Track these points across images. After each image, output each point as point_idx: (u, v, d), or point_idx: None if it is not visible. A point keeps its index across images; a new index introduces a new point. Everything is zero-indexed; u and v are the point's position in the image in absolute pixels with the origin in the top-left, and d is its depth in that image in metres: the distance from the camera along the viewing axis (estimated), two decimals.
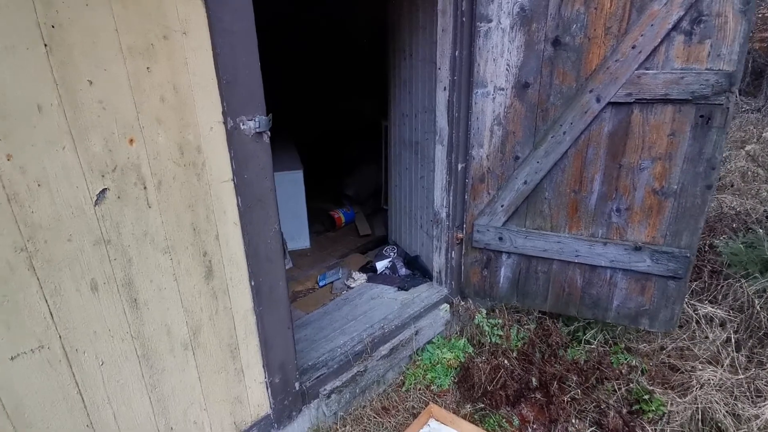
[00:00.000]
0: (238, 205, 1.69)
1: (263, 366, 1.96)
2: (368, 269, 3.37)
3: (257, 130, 1.65)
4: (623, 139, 2.21)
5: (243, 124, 1.62)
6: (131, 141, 1.39)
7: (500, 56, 2.29)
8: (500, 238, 2.56)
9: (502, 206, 2.50)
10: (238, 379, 1.90)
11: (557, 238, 2.45)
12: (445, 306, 2.81)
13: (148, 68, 1.38)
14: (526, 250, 2.53)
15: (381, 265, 3.29)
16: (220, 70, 1.52)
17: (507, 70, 2.30)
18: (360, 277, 3.26)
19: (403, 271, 3.17)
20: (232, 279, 1.76)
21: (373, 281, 3.19)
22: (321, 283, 3.28)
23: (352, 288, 3.17)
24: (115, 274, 1.45)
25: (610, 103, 2.17)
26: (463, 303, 2.79)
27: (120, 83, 1.33)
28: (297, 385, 2.11)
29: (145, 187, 1.45)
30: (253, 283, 1.81)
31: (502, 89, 2.34)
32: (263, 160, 1.72)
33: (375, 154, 4.71)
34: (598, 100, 2.17)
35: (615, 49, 2.12)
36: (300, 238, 3.81)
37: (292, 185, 3.65)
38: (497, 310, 2.81)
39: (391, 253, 3.40)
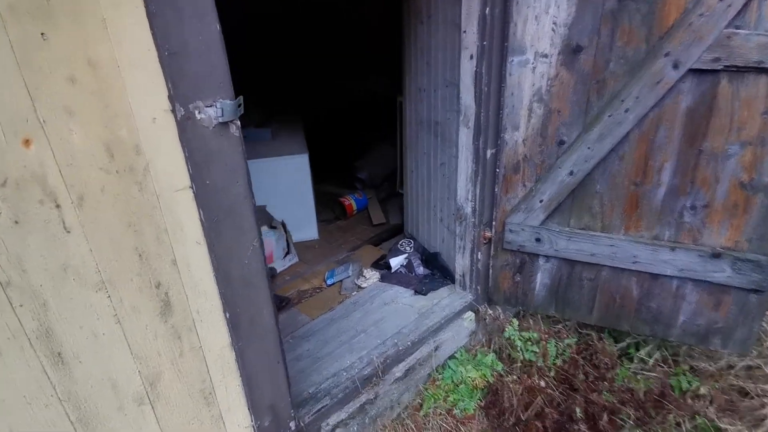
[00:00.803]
0: (200, 220, 1.25)
1: (248, 408, 1.56)
2: (381, 265, 2.94)
3: (220, 120, 1.19)
4: (706, 117, 1.67)
5: (200, 113, 1.16)
6: (26, 142, 0.95)
7: (544, 12, 1.76)
8: (538, 239, 2.08)
9: (541, 201, 2.01)
10: (217, 427, 1.51)
11: (610, 240, 1.96)
12: (470, 315, 2.37)
13: (42, 35, 0.93)
14: (569, 253, 2.05)
15: (396, 262, 2.85)
16: (159, 37, 1.05)
17: (553, 30, 1.77)
18: (372, 276, 2.83)
19: (420, 270, 2.72)
20: (200, 312, 1.34)
21: (386, 281, 2.76)
22: (329, 282, 2.87)
23: (363, 288, 2.75)
24: (23, 326, 1.04)
25: (691, 71, 1.62)
26: (490, 312, 2.34)
27: None
28: (293, 424, 1.72)
29: (57, 206, 1.02)
30: (228, 315, 1.39)
31: (546, 56, 1.81)
32: (233, 159, 1.27)
33: (390, 132, 4.21)
34: (675, 67, 1.63)
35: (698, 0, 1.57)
36: (307, 229, 3.38)
37: (296, 171, 3.21)
38: (531, 321, 2.35)
39: (408, 248, 2.95)
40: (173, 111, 1.12)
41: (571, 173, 1.91)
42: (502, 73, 1.91)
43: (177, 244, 1.23)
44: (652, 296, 1.99)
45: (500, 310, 2.34)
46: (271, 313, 1.49)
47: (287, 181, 3.20)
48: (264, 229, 2.87)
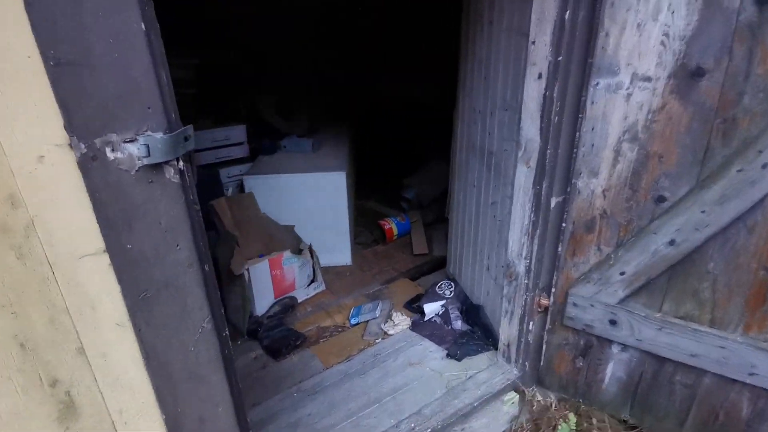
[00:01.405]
0: (122, 295, 0.89)
1: None
2: (415, 308, 2.48)
3: (147, 162, 0.81)
4: None
5: (113, 151, 0.79)
6: None
7: (651, 18, 1.22)
8: (613, 322, 1.53)
9: (622, 274, 1.47)
10: None
11: (720, 340, 1.37)
12: (513, 396, 1.86)
13: None
14: (657, 347, 1.48)
15: (431, 309, 2.38)
16: (42, 38, 0.69)
17: (663, 43, 1.22)
18: (402, 322, 2.38)
19: (458, 324, 2.24)
20: (123, 412, 0.98)
21: (417, 330, 2.30)
22: (352, 321, 2.46)
23: (390, 336, 2.31)
24: None
25: None
26: (539, 397, 1.81)
27: None
28: None
29: None
30: (165, 416, 1.02)
31: (648, 79, 1.27)
32: (170, 215, 0.88)
33: (445, 151, 3.74)
34: None
35: None
36: (339, 253, 3.00)
37: (333, 189, 2.83)
38: (595, 420, 1.80)
39: (447, 292, 2.47)
40: (72, 146, 0.76)
41: (671, 242, 1.35)
42: (580, 100, 1.39)
43: (85, 327, 0.87)
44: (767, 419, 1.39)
45: (553, 398, 1.81)
46: (230, 412, 1.10)
47: (322, 199, 2.84)
48: (286, 254, 2.52)
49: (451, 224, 2.56)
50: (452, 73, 2.33)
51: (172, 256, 0.90)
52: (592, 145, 1.40)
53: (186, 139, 0.85)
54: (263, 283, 2.44)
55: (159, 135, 0.80)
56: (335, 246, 2.97)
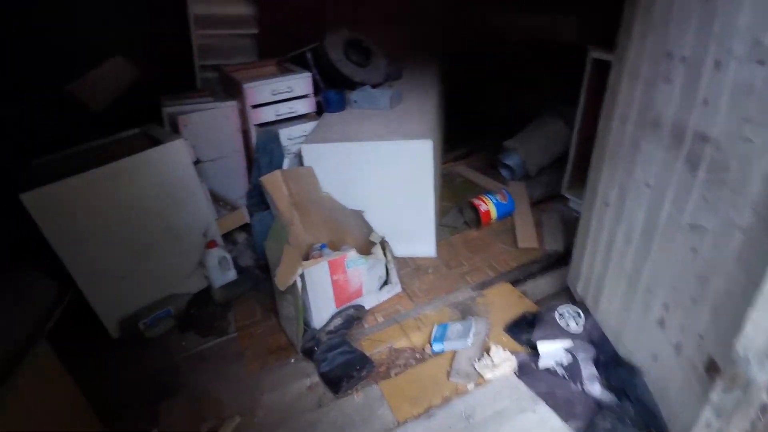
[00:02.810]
0: None
1: None
2: (523, 339, 1.74)
3: None
4: None
5: None
6: None
7: None
8: None
9: None
10: None
11: None
12: None
13: None
14: None
15: (548, 352, 1.62)
16: None
17: None
18: (504, 360, 1.65)
19: (594, 388, 1.46)
20: None
21: (528, 381, 1.57)
22: (435, 348, 1.79)
23: (487, 382, 1.62)
24: None
25: None
26: None
27: None
28: None
29: None
30: None
31: None
32: None
33: (561, 102, 2.75)
34: None
35: None
36: (421, 242, 2.29)
37: (414, 161, 2.06)
38: None
39: (572, 325, 1.68)
40: None
41: None
42: None
43: None
44: None
45: None
46: None
47: (401, 174, 2.10)
48: (351, 255, 1.86)
49: (586, 223, 1.71)
50: None
51: None
52: None
53: None
54: (322, 290, 1.84)
55: None
56: (416, 233, 2.26)
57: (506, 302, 1.99)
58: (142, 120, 2.33)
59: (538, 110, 2.96)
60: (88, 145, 2.07)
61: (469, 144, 3.34)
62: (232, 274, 2.21)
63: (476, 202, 2.40)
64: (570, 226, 2.38)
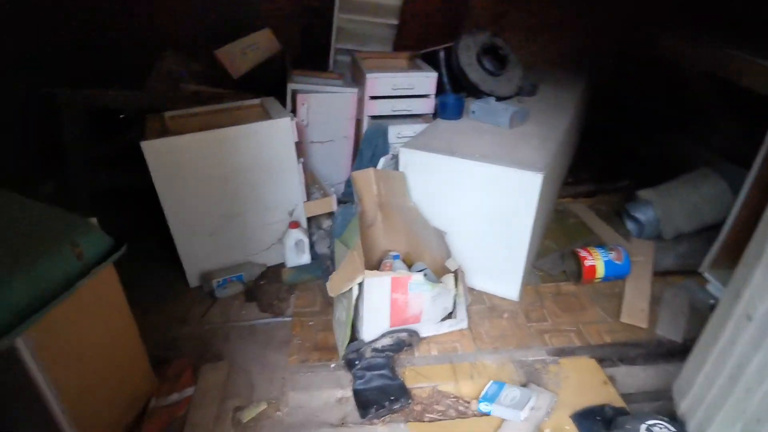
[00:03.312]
0: None
1: None
2: None
3: None
4: None
5: None
6: None
7: None
8: None
9: None
10: None
11: None
12: None
13: None
14: None
15: None
16: None
17: None
18: None
19: None
20: None
21: None
22: (482, 407, 1.54)
23: None
24: None
25: None
26: None
27: None
28: None
29: None
30: None
31: None
32: None
33: (729, 160, 2.21)
34: None
35: None
36: (505, 281, 2.01)
37: (517, 192, 1.80)
38: None
39: None
40: None
41: None
42: None
43: None
44: None
45: None
46: None
47: (500, 204, 1.86)
48: (416, 278, 1.69)
49: (716, 329, 1.30)
50: None
51: None
52: None
53: None
54: (378, 305, 1.71)
55: None
56: (501, 270, 2.00)
57: (585, 382, 1.65)
58: (272, 89, 2.41)
59: (693, 161, 2.41)
60: (214, 107, 2.21)
61: (598, 183, 2.89)
62: (305, 258, 2.20)
63: (582, 253, 2.03)
64: (699, 316, 1.90)
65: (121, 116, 2.62)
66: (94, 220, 1.22)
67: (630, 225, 2.41)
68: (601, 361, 1.74)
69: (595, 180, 2.90)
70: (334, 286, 1.61)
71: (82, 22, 2.78)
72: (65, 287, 0.97)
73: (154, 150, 1.81)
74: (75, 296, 1.09)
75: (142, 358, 1.54)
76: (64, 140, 2.33)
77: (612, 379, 1.67)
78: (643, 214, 2.27)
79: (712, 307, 1.94)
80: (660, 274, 2.13)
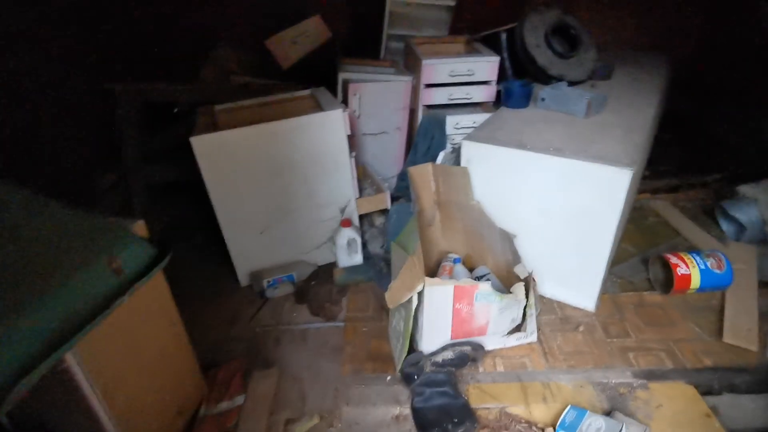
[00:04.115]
0: None
1: None
2: None
3: None
4: None
5: None
6: None
7: None
8: None
9: None
10: None
11: None
12: None
13: None
14: None
15: None
16: None
17: None
18: None
19: None
20: None
21: None
22: None
23: None
24: None
25: None
26: None
27: None
28: None
29: None
30: None
31: None
32: None
33: None
34: None
35: None
36: (581, 289, 1.77)
37: (601, 191, 1.55)
38: None
39: None
40: None
41: None
42: None
43: None
44: None
45: None
46: None
47: (578, 204, 1.61)
48: (483, 287, 1.48)
49: None
50: None
51: None
52: None
53: None
54: (439, 315, 1.52)
55: None
56: (576, 277, 1.76)
57: (682, 414, 1.40)
58: (322, 79, 2.27)
59: None
60: (264, 99, 2.09)
61: (681, 175, 2.54)
62: (358, 258, 2.05)
63: (673, 260, 1.75)
64: None
65: (175, 110, 2.57)
66: (140, 225, 1.11)
67: (726, 226, 2.07)
68: (700, 389, 1.47)
69: (677, 173, 2.55)
70: (392, 296, 1.45)
71: (137, 20, 2.75)
72: (104, 304, 0.86)
73: (204, 145, 1.71)
74: (121, 307, 0.99)
75: (192, 366, 1.46)
76: (121, 134, 2.31)
77: (715, 411, 1.41)
78: (745, 214, 1.93)
79: None
80: (766, 286, 1.80)
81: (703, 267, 1.71)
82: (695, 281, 1.71)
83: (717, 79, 2.82)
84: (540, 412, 1.43)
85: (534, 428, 1.39)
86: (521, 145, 1.66)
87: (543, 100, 1.97)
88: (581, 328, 1.71)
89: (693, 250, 1.87)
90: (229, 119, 1.89)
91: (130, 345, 1.17)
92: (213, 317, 1.88)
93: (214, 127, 1.80)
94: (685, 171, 2.56)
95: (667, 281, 1.77)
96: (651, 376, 1.52)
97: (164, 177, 2.47)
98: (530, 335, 1.65)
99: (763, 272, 1.84)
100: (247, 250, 1.97)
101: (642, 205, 2.37)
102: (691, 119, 2.93)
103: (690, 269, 1.72)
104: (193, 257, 2.19)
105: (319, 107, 1.91)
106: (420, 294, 1.46)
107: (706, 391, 1.47)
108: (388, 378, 1.59)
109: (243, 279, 2.02)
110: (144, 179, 2.41)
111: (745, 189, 1.97)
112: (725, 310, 1.69)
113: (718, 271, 1.70)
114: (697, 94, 2.91)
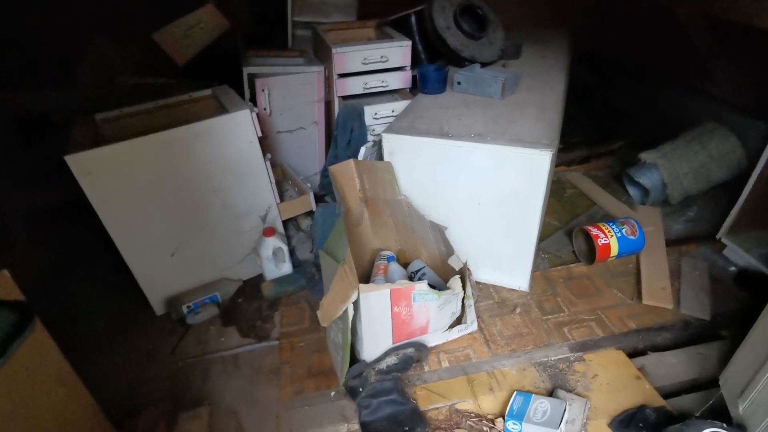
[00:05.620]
0: None
1: None
2: None
3: None
4: None
5: None
6: None
7: None
8: None
9: None
10: None
11: None
12: None
13: None
14: None
15: None
16: None
17: None
18: None
19: None
20: None
21: None
22: (509, 427, 1.31)
23: None
24: None
25: None
26: None
27: None
28: None
29: None
30: None
31: None
32: None
33: (738, 112, 1.98)
34: None
35: None
36: (513, 270, 1.76)
37: (523, 174, 1.52)
38: None
39: None
40: None
41: None
42: None
43: None
44: None
45: None
46: None
47: (502, 188, 1.58)
48: (420, 287, 1.41)
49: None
50: None
51: None
52: None
53: None
54: (378, 321, 1.43)
55: None
56: (508, 259, 1.75)
57: (616, 379, 1.44)
58: (225, 75, 2.02)
59: (692, 114, 2.18)
60: (156, 103, 1.81)
61: (590, 146, 2.65)
62: (286, 267, 1.89)
63: (594, 232, 1.79)
64: (722, 286, 1.71)
65: (51, 120, 2.17)
66: (1, 277, 0.87)
67: (632, 191, 2.19)
68: (629, 353, 1.53)
69: (587, 144, 2.65)
70: (326, 313, 1.32)
71: None
72: None
73: (83, 164, 1.43)
74: None
75: (99, 423, 1.23)
76: None
77: (643, 371, 1.46)
78: (648, 179, 2.04)
79: (734, 276, 1.76)
80: (672, 243, 1.92)
81: (619, 235, 1.78)
82: (614, 249, 1.78)
83: (615, 53, 2.96)
84: (488, 403, 1.40)
85: (484, 421, 1.36)
86: (443, 134, 1.58)
87: (459, 83, 1.91)
88: (518, 310, 1.71)
89: (609, 219, 1.94)
90: (115, 130, 1.61)
91: (14, 419, 0.94)
92: (126, 356, 1.63)
93: (95, 141, 1.52)
94: (594, 141, 2.68)
95: (590, 252, 1.83)
96: (585, 347, 1.56)
97: (48, 200, 2.10)
98: (471, 325, 1.62)
99: (668, 231, 1.96)
100: (158, 275, 1.72)
101: (559, 178, 2.44)
102: (595, 91, 3.07)
103: (609, 239, 1.77)
104: (97, 289, 1.89)
105: (222, 108, 1.68)
106: (356, 303, 1.35)
107: (633, 353, 1.54)
108: (333, 393, 1.47)
109: (158, 307, 1.77)
110: (22, 205, 2.02)
111: (645, 155, 2.08)
112: (641, 273, 1.77)
113: (632, 237, 1.78)
114: (600, 67, 3.04)
